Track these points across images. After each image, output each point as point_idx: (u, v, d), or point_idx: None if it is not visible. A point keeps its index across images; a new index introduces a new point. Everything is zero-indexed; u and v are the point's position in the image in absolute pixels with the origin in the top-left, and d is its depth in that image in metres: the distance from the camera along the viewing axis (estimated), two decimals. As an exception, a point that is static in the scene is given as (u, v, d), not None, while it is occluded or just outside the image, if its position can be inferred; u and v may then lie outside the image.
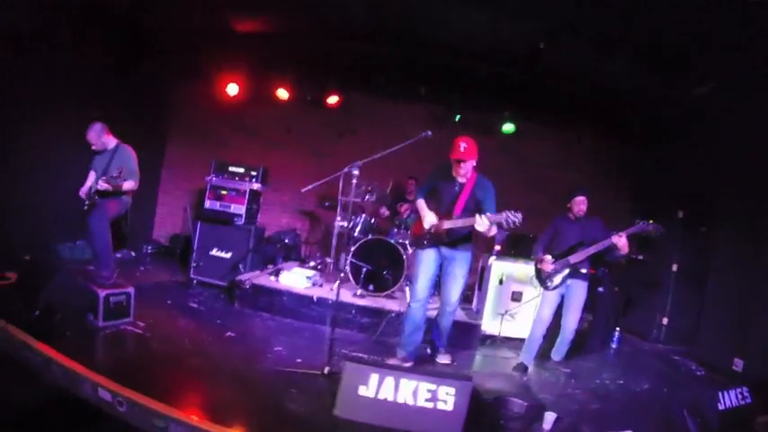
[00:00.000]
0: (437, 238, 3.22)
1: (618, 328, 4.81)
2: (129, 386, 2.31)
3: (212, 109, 6.04)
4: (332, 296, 4.25)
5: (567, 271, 3.62)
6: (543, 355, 3.92)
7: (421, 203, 3.34)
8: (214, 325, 3.65)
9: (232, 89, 5.73)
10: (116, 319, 3.13)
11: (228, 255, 4.70)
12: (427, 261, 3.26)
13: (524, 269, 4.43)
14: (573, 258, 3.59)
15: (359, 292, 4.41)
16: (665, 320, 5.09)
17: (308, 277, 4.44)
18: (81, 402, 2.35)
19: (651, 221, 3.51)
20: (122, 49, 5.09)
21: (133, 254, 5.32)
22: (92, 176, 3.72)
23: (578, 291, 3.67)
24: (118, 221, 3.72)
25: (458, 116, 5.83)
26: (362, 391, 2.10)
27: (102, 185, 3.59)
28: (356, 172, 2.89)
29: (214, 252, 4.71)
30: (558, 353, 3.84)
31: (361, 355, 3.25)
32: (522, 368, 3.69)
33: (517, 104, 5.63)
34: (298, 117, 6.13)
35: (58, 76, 4.26)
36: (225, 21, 4.89)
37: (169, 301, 4.02)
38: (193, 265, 4.69)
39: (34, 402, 2.37)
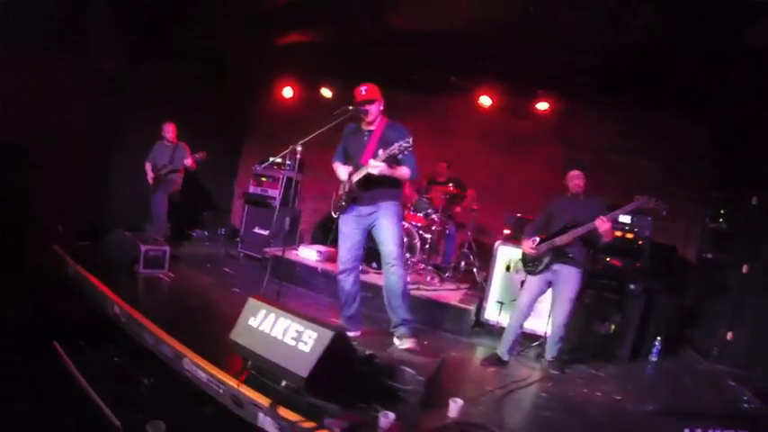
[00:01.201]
0: (353, 198, 3.24)
1: (659, 338, 4.16)
2: (134, 308, 3.28)
3: (276, 113, 7.16)
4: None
5: (550, 254, 3.42)
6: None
7: (335, 165, 3.40)
8: (230, 284, 4.55)
9: (287, 92, 6.79)
10: (152, 268, 4.22)
11: (267, 232, 5.66)
12: (346, 230, 3.32)
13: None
14: (559, 240, 3.39)
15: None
16: (729, 335, 4.21)
17: (318, 252, 5.09)
18: (105, 317, 3.43)
19: (654, 198, 3.18)
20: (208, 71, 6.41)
21: (206, 233, 6.70)
22: (148, 166, 5.09)
23: (566, 279, 3.41)
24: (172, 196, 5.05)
25: None
26: (251, 321, 2.59)
27: (190, 161, 5.04)
28: (299, 148, 3.32)
29: (256, 229, 5.73)
30: (549, 351, 3.59)
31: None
32: (494, 360, 3.53)
33: (554, 83, 5.37)
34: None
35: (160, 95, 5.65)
36: (279, 38, 5.87)
37: (208, 265, 5.08)
38: (238, 240, 5.78)
39: (80, 315, 3.53)
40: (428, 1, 4.45)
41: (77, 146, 4.90)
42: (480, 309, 4.40)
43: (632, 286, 4.16)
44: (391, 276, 3.20)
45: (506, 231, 4.71)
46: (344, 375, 2.42)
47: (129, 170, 5.29)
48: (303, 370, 2.26)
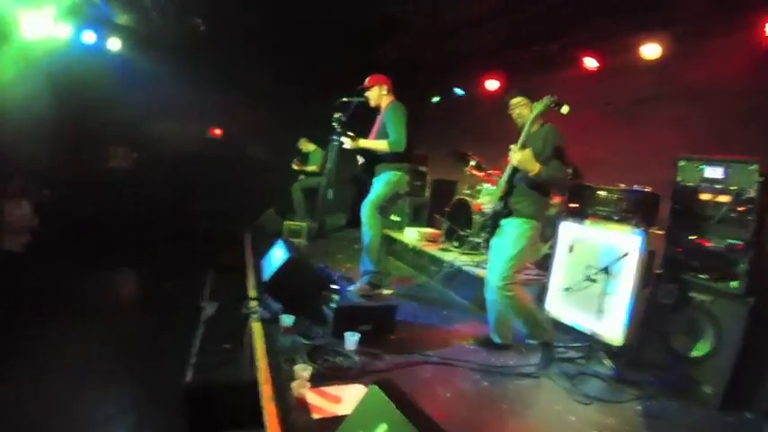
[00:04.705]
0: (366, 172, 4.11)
1: None
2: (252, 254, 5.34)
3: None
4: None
5: (497, 209, 3.19)
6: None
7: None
8: (337, 252, 6.05)
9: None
10: (293, 237, 6.27)
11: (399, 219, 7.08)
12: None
13: (603, 236, 3.48)
14: (500, 192, 3.16)
15: (442, 246, 5.58)
16: None
17: (419, 232, 6.09)
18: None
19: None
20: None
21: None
22: None
23: (506, 231, 3.12)
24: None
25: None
26: (271, 253, 4.08)
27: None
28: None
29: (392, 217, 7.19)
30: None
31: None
32: (483, 340, 3.35)
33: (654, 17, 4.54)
34: (470, 109, 7.46)
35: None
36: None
37: (345, 243, 6.68)
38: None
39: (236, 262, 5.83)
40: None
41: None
42: (542, 296, 3.86)
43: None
44: (363, 235, 4.04)
45: (573, 204, 4.02)
46: (293, 289, 3.54)
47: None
48: (267, 277, 3.67)
